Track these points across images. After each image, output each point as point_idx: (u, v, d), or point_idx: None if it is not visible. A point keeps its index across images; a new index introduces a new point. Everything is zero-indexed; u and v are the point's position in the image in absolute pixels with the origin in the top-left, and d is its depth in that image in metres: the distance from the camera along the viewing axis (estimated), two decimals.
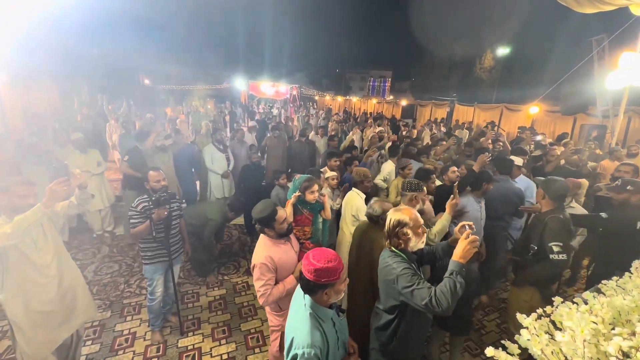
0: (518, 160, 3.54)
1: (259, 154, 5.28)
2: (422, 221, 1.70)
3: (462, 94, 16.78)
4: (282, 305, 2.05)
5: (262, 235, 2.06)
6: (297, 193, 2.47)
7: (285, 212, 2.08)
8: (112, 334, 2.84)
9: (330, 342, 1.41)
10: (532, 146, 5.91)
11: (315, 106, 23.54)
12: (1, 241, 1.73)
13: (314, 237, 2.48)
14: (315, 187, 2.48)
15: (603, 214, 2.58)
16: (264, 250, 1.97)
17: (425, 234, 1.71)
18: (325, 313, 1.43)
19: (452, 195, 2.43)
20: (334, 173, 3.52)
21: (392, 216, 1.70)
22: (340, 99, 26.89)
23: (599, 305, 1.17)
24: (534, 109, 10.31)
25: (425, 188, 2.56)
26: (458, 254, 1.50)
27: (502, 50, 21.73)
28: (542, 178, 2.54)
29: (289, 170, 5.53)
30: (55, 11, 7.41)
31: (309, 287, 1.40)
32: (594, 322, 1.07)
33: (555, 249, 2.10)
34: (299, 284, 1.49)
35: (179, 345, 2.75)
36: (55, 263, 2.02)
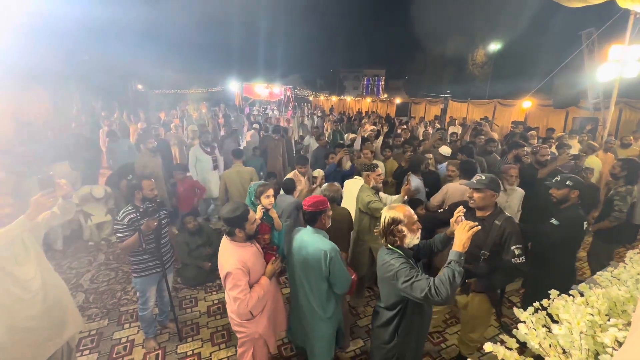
0: (446, 150, 3.86)
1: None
2: (416, 217, 1.72)
3: (456, 90, 16.89)
4: (254, 310, 1.93)
5: (224, 241, 1.96)
6: (261, 207, 2.46)
7: (254, 213, 2.04)
8: (109, 342, 2.80)
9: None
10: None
11: (310, 106, 23.54)
12: None
13: (272, 242, 2.50)
14: (270, 191, 2.50)
15: (553, 221, 2.45)
16: (234, 255, 1.87)
17: (420, 230, 1.72)
18: (325, 234, 2.06)
19: (405, 182, 2.89)
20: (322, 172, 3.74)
21: (387, 214, 1.71)
22: (334, 98, 26.89)
23: (594, 296, 1.17)
24: (526, 104, 10.39)
25: (378, 169, 3.07)
26: (457, 243, 1.52)
27: (494, 46, 21.93)
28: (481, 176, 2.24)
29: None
30: (45, 18, 7.34)
31: (312, 217, 2.02)
32: (590, 314, 1.07)
33: (517, 252, 2.04)
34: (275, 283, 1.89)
35: (178, 351, 2.73)
36: (39, 276, 1.93)
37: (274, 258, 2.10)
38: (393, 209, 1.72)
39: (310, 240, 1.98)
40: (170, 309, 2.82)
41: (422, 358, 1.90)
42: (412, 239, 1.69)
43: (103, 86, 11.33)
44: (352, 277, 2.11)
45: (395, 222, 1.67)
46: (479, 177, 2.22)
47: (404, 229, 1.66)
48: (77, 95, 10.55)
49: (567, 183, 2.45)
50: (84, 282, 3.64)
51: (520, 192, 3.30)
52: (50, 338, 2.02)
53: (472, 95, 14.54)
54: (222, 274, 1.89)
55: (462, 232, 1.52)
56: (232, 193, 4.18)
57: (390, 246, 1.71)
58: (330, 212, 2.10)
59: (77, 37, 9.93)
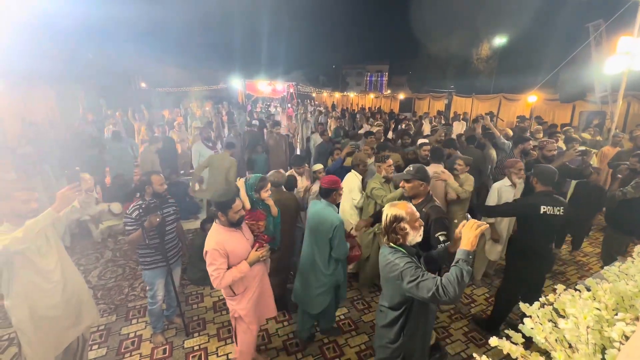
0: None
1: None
2: (418, 214, 1.70)
3: (460, 85, 16.68)
4: (235, 289, 2.14)
5: (214, 224, 2.14)
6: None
7: (242, 204, 2.16)
8: (118, 337, 2.85)
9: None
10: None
11: (313, 103, 23.47)
12: (14, 246, 1.73)
13: (267, 229, 2.60)
14: (269, 186, 2.66)
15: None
16: (215, 236, 2.06)
17: (422, 227, 1.70)
18: (335, 207, 2.49)
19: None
20: (321, 166, 3.87)
21: (389, 212, 1.68)
22: (337, 95, 26.79)
23: (602, 291, 1.16)
24: (532, 98, 10.25)
25: (389, 160, 3.31)
26: (464, 242, 1.50)
27: (499, 40, 21.60)
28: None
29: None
30: (49, 18, 7.39)
31: (327, 192, 2.46)
32: (597, 309, 1.07)
33: (441, 238, 2.03)
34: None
35: (185, 346, 2.77)
36: (59, 268, 2.03)
37: (258, 245, 2.24)
38: (395, 206, 1.69)
39: (323, 210, 2.43)
40: (176, 304, 2.86)
41: (428, 356, 1.88)
42: (415, 237, 1.66)
43: (107, 84, 11.40)
44: (357, 253, 2.57)
45: (397, 219, 1.64)
46: (409, 168, 2.33)
47: (407, 226, 1.64)
48: (82, 93, 10.64)
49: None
50: (92, 279, 3.69)
51: (522, 185, 3.35)
52: (69, 326, 2.14)
53: (476, 90, 14.37)
54: (204, 250, 2.07)
55: (470, 230, 1.50)
56: (210, 174, 4.61)
57: (393, 245, 1.67)
58: (342, 192, 2.57)
59: (80, 37, 10.00)
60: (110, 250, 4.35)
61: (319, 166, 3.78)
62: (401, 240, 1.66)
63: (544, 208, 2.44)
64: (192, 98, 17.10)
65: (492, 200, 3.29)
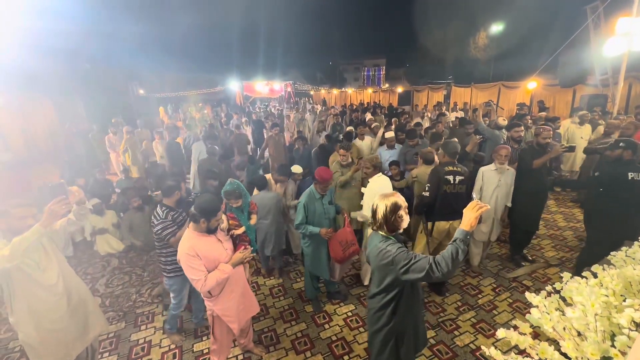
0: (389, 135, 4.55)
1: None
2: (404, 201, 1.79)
3: (458, 75, 16.55)
4: (212, 292, 2.13)
5: (187, 230, 2.11)
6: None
7: (222, 213, 2.18)
8: (128, 344, 2.87)
9: (317, 210, 2.91)
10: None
11: (311, 101, 23.40)
12: (1, 263, 1.72)
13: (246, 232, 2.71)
14: (240, 201, 2.80)
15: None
16: (187, 242, 2.03)
17: (407, 213, 1.79)
18: (316, 194, 2.92)
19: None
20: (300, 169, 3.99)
21: (386, 202, 1.71)
22: (335, 91, 26.68)
23: (609, 277, 1.15)
24: (532, 84, 10.16)
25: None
26: (465, 222, 1.54)
27: (495, 27, 21.36)
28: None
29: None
30: (47, 30, 7.41)
31: (314, 181, 2.91)
32: (604, 295, 1.05)
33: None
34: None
35: (194, 349, 2.78)
36: (62, 280, 2.03)
37: (243, 248, 2.28)
38: (389, 196, 1.74)
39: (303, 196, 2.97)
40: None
41: (422, 334, 1.98)
42: (406, 222, 1.74)
43: (106, 92, 11.41)
44: (353, 249, 2.86)
45: (397, 207, 1.70)
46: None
47: (403, 213, 1.71)
48: (81, 104, 10.67)
49: (620, 145, 2.85)
50: (100, 287, 3.72)
51: (512, 171, 3.48)
52: (77, 337, 2.15)
53: (475, 80, 14.27)
54: (177, 257, 2.08)
55: (471, 211, 1.53)
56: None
57: (382, 233, 1.73)
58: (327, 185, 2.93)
59: (77, 48, 10.01)
60: (116, 258, 4.38)
61: (297, 169, 3.91)
62: (398, 227, 1.72)
63: (631, 175, 2.71)
64: (191, 102, 17.14)
65: (477, 182, 3.52)
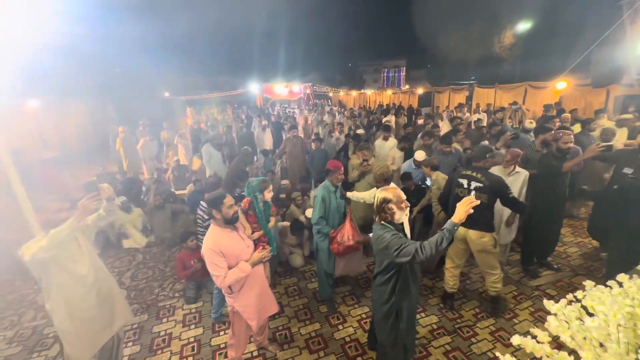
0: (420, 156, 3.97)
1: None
2: (404, 197, 2.01)
3: (482, 76, 16.01)
4: (233, 287, 2.23)
5: (211, 227, 2.22)
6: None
7: (231, 199, 2.23)
8: (150, 335, 3.01)
9: (332, 204, 2.95)
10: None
11: (330, 103, 23.46)
12: (39, 254, 1.87)
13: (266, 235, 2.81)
14: (270, 186, 2.81)
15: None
16: (211, 238, 2.13)
17: (408, 208, 2.03)
18: (332, 186, 2.99)
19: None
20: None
21: (379, 195, 2.01)
22: (354, 93, 26.59)
23: (635, 287, 1.09)
24: (561, 84, 9.67)
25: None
26: (456, 214, 1.74)
27: (522, 25, 20.51)
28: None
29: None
30: (79, 38, 7.90)
31: (327, 172, 2.98)
32: (630, 306, 1.01)
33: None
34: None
35: (212, 343, 2.87)
36: (92, 273, 2.16)
37: (261, 247, 2.38)
38: (385, 190, 2.03)
39: (319, 189, 3.05)
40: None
41: (415, 311, 2.25)
42: (401, 216, 1.98)
43: (135, 96, 11.96)
44: (350, 244, 2.85)
45: (385, 201, 1.96)
46: None
47: (393, 207, 1.95)
48: (111, 107, 11.26)
49: None
50: (125, 280, 3.91)
51: (523, 174, 3.35)
52: (105, 326, 2.28)
53: (500, 80, 13.73)
54: (201, 252, 2.19)
55: (463, 205, 1.73)
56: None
57: (383, 222, 1.99)
58: (340, 175, 3.02)
59: (108, 53, 10.59)
60: (141, 253, 4.59)
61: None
62: (390, 218, 1.98)
63: None
64: (213, 104, 17.65)
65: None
